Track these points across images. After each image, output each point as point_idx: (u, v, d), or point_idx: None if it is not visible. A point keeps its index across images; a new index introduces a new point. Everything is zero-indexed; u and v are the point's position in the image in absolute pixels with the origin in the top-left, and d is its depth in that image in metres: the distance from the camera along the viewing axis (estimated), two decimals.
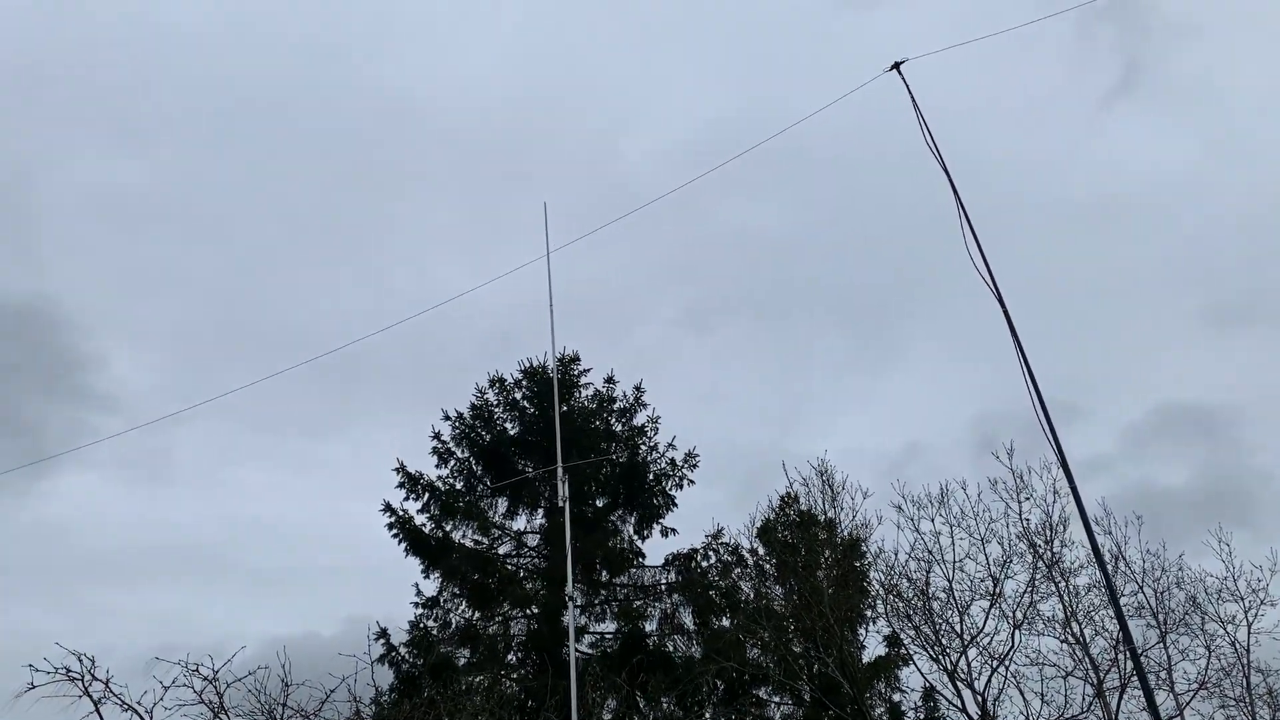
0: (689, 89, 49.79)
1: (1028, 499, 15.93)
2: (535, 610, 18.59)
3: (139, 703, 11.00)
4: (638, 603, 19.04)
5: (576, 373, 21.12)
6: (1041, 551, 15.59)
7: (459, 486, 19.85)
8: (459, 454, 20.21)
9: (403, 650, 17.85)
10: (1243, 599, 14.93)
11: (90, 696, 10.76)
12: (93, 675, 10.87)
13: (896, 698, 18.88)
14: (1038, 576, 15.43)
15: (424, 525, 19.06)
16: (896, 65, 10.57)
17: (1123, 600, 14.65)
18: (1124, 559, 15.33)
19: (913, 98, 10.48)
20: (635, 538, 19.88)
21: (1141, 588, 15.14)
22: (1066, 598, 15.09)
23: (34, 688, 10.52)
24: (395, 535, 18.85)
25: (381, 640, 17.72)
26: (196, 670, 11.49)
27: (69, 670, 10.69)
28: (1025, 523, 15.78)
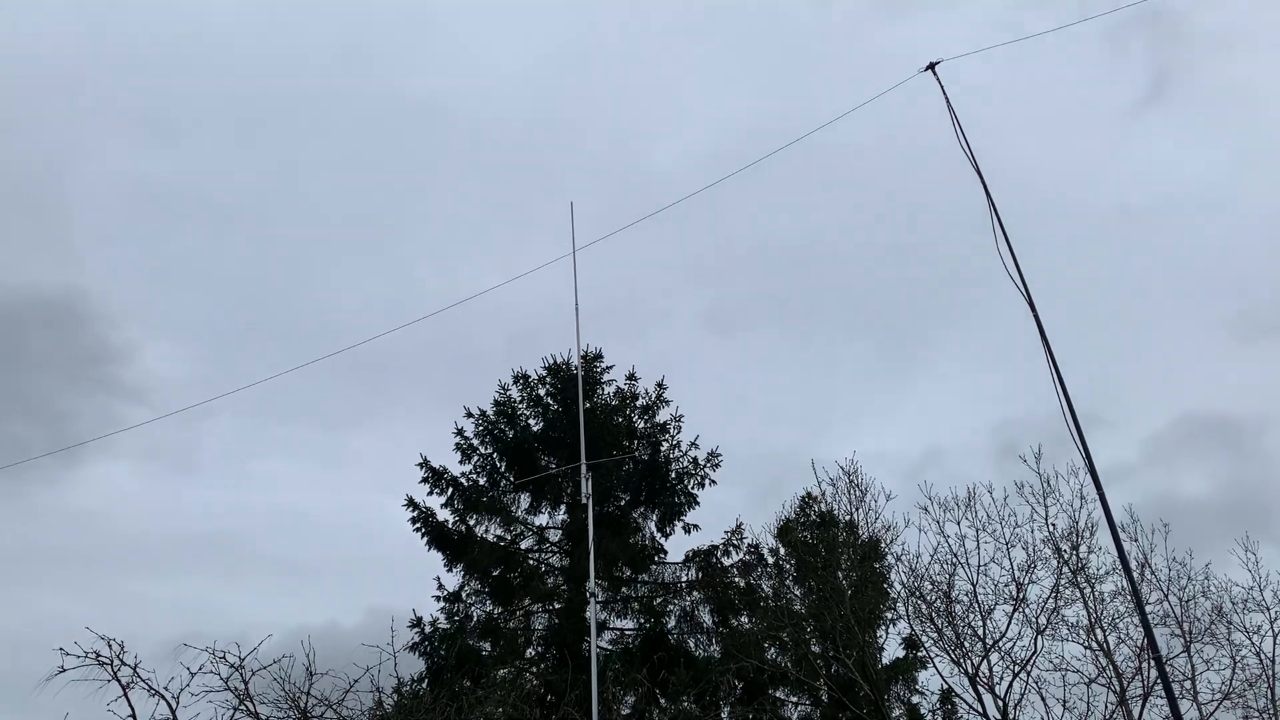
0: (719, 92, 49.81)
1: (1054, 504, 15.86)
2: (557, 605, 18.68)
3: (165, 688, 11.17)
4: (658, 600, 19.09)
5: (599, 370, 21.18)
6: (1067, 557, 15.51)
7: (482, 482, 19.95)
8: (482, 450, 20.31)
9: (428, 642, 17.98)
10: (1269, 609, 14.82)
11: (119, 681, 10.93)
12: (121, 660, 11.04)
13: (915, 700, 18.87)
14: (1062, 582, 15.36)
15: (447, 520, 19.18)
16: (932, 65, 10.61)
17: (1148, 608, 14.55)
18: (1150, 567, 15.24)
19: (946, 98, 10.52)
20: (657, 535, 19.94)
21: (1166, 596, 15.03)
22: (1091, 604, 15.01)
23: (64, 671, 10.70)
24: (418, 529, 18.98)
25: (416, 629, 17.89)
26: (223, 658, 11.66)
27: (98, 655, 10.87)
28: (1051, 528, 15.71)
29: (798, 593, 19.27)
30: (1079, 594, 15.22)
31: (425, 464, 19.59)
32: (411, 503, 19.15)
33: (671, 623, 18.91)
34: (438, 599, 18.87)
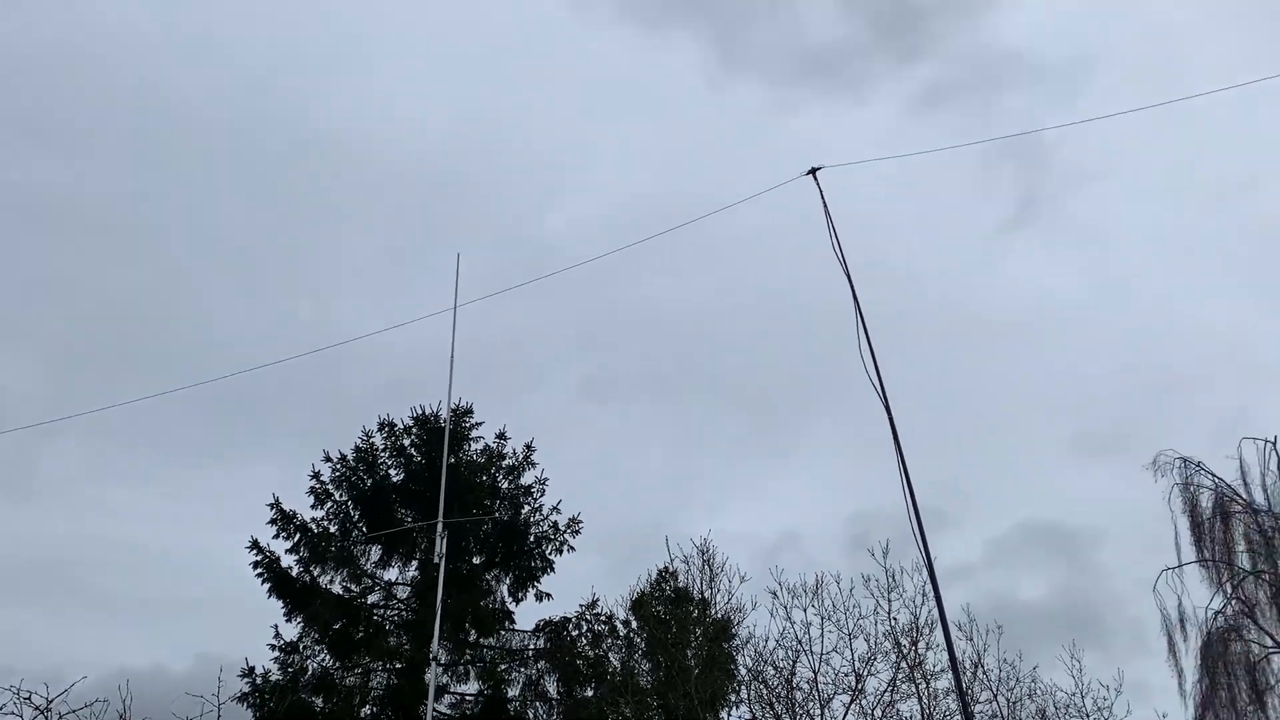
0: (618, 166, 50.56)
1: (898, 598, 16.30)
2: (398, 665, 18.14)
3: None
4: (503, 666, 18.75)
5: (468, 425, 20.93)
6: (906, 652, 15.91)
7: (333, 530, 19.34)
8: (337, 496, 19.73)
9: (258, 694, 17.20)
10: (1088, 716, 15.42)
11: None
12: None
13: None
14: (899, 676, 15.73)
15: (291, 567, 18.51)
16: (813, 171, 11.03)
17: (977, 707, 15.01)
18: (982, 666, 15.73)
19: (824, 203, 10.94)
20: (509, 599, 19.62)
21: (995, 696, 15.51)
22: (925, 700, 15.40)
23: None
24: (260, 575, 18.24)
25: (246, 679, 17.11)
26: (28, 698, 10.89)
27: None
28: (893, 622, 16.12)
29: (646, 667, 19.23)
30: (914, 689, 15.60)
31: (276, 505, 18.92)
32: (256, 545, 18.43)
33: (514, 691, 18.58)
34: (273, 649, 18.10)
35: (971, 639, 15.99)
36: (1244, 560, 20.99)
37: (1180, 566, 21.34)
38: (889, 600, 16.25)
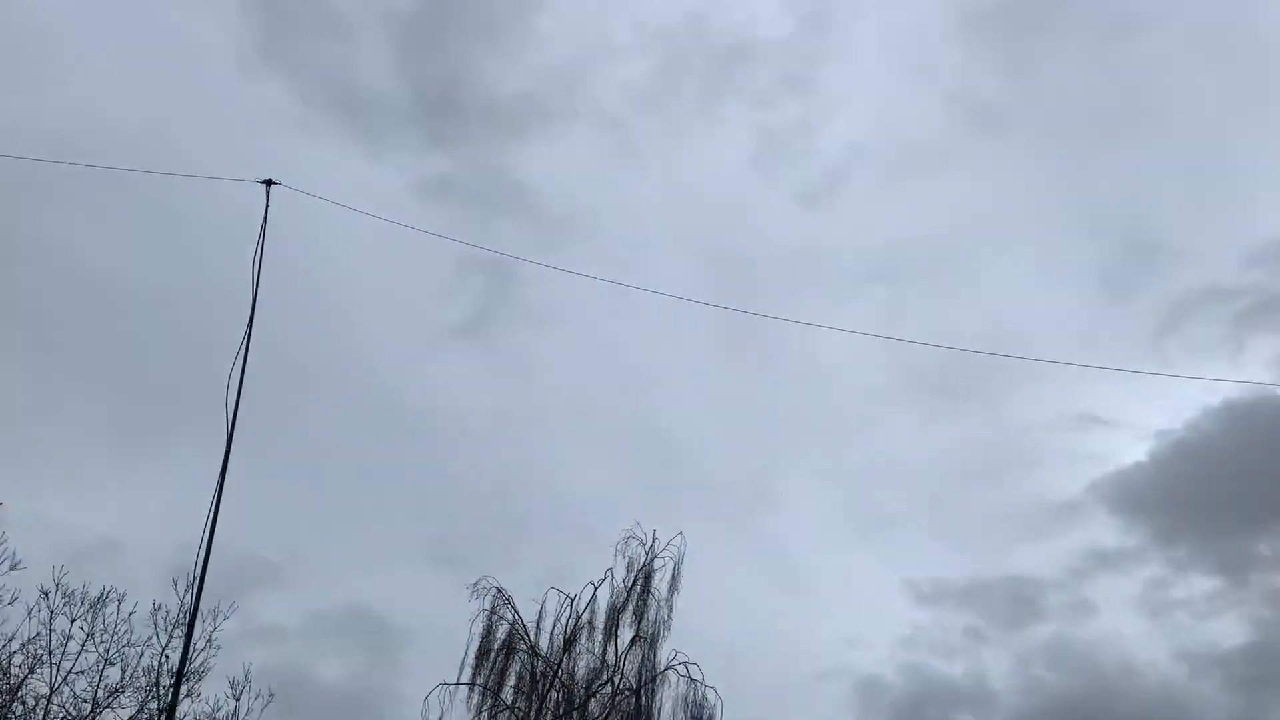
0: (101, 84, 44.30)
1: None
2: None
3: None
4: None
5: None
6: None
7: None
8: None
9: None
10: None
11: None
12: None
13: None
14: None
15: None
16: (268, 182, 10.72)
17: None
18: None
19: (265, 217, 10.62)
20: None
21: None
22: None
23: None
24: None
25: None
26: None
27: None
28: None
29: None
30: None
31: None
32: None
33: None
34: None
35: (240, 699, 16.45)
36: (510, 694, 22.90)
37: (457, 685, 22.63)
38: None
